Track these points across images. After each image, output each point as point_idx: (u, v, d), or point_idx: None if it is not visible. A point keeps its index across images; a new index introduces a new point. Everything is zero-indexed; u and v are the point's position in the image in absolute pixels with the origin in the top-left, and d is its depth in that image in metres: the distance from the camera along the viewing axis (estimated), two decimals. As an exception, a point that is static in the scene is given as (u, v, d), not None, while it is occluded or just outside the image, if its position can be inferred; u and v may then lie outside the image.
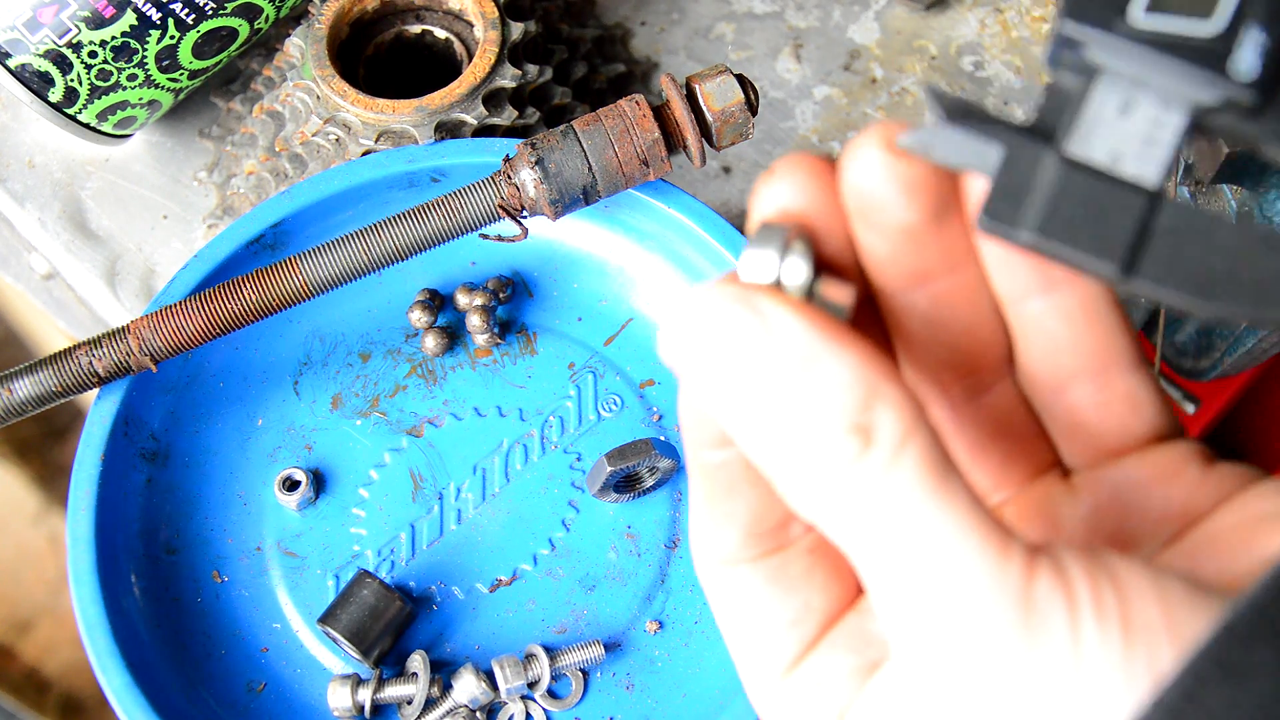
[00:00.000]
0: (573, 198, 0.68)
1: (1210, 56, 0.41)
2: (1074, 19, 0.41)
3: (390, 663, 0.70)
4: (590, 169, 0.68)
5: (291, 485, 0.73)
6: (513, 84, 0.78)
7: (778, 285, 0.42)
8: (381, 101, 0.77)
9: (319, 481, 0.73)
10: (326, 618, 0.68)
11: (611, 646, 0.70)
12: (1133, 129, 0.43)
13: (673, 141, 0.69)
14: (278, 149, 0.81)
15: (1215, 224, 0.42)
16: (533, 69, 0.80)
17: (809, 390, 0.37)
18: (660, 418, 0.74)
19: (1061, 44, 0.42)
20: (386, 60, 0.83)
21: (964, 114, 0.42)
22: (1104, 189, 0.42)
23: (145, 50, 0.78)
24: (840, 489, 0.37)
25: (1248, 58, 0.41)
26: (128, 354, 0.67)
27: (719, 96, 0.69)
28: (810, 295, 0.42)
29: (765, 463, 0.39)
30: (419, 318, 0.75)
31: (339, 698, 0.67)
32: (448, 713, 0.68)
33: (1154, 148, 0.42)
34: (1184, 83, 0.41)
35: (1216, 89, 0.41)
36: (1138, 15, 0.41)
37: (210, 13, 0.79)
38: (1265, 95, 0.41)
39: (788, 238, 0.42)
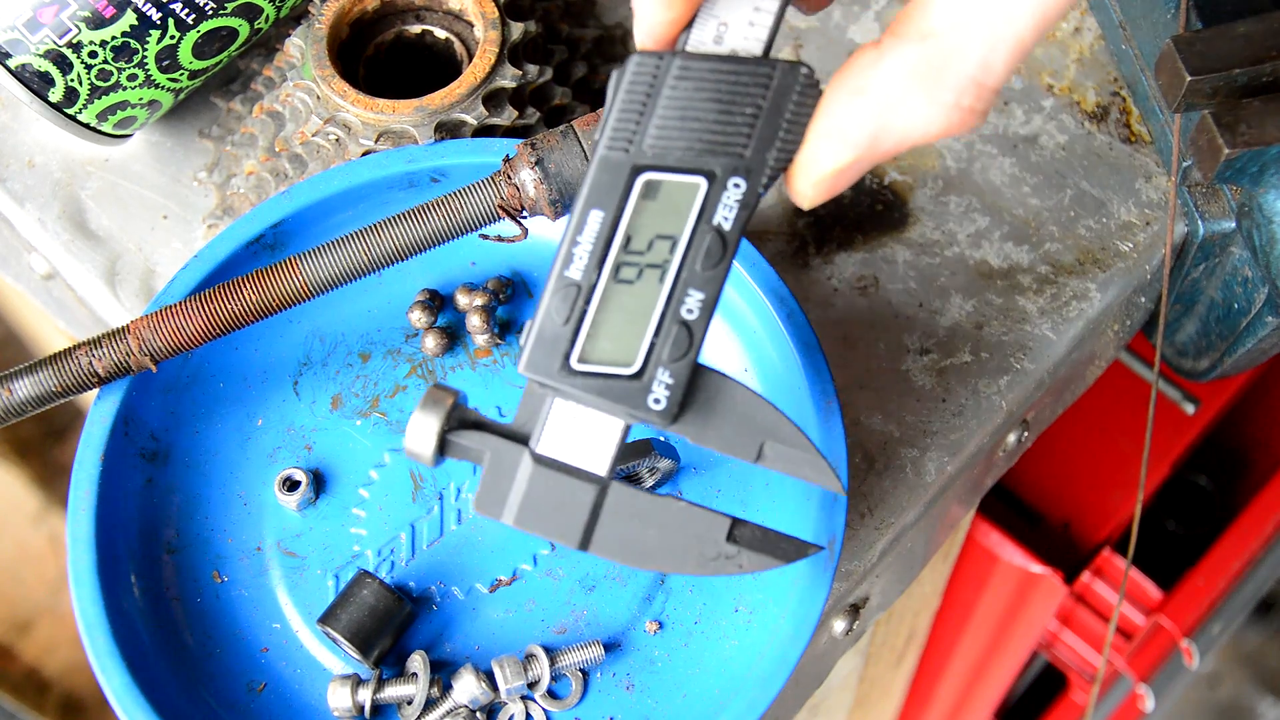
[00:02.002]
0: (572, 198, 0.68)
1: (631, 393, 0.56)
2: (529, 370, 0.56)
3: (390, 663, 0.70)
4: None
5: (291, 485, 0.73)
6: (513, 84, 0.78)
7: None
8: (381, 101, 0.77)
9: (319, 481, 0.73)
10: (326, 618, 0.68)
11: (611, 646, 0.70)
12: (585, 432, 0.57)
13: (673, 141, 0.69)
14: (278, 149, 0.82)
15: (647, 502, 0.57)
16: (533, 69, 0.80)
17: None
18: (660, 418, 0.74)
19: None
20: (386, 60, 0.83)
21: (465, 425, 0.57)
22: (565, 482, 0.57)
23: (145, 50, 0.78)
24: None
25: (657, 393, 0.56)
26: (128, 354, 0.67)
27: (719, 97, 0.69)
28: None
29: None
30: (419, 318, 0.75)
31: (339, 698, 0.67)
32: (448, 713, 0.68)
33: (602, 444, 0.57)
34: (614, 412, 0.57)
35: (636, 417, 0.56)
36: (576, 365, 0.56)
37: (210, 13, 0.79)
38: (673, 417, 0.56)
39: None
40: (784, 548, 0.58)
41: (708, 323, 0.56)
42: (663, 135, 0.55)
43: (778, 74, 0.55)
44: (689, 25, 0.56)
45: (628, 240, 0.55)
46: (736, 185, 0.55)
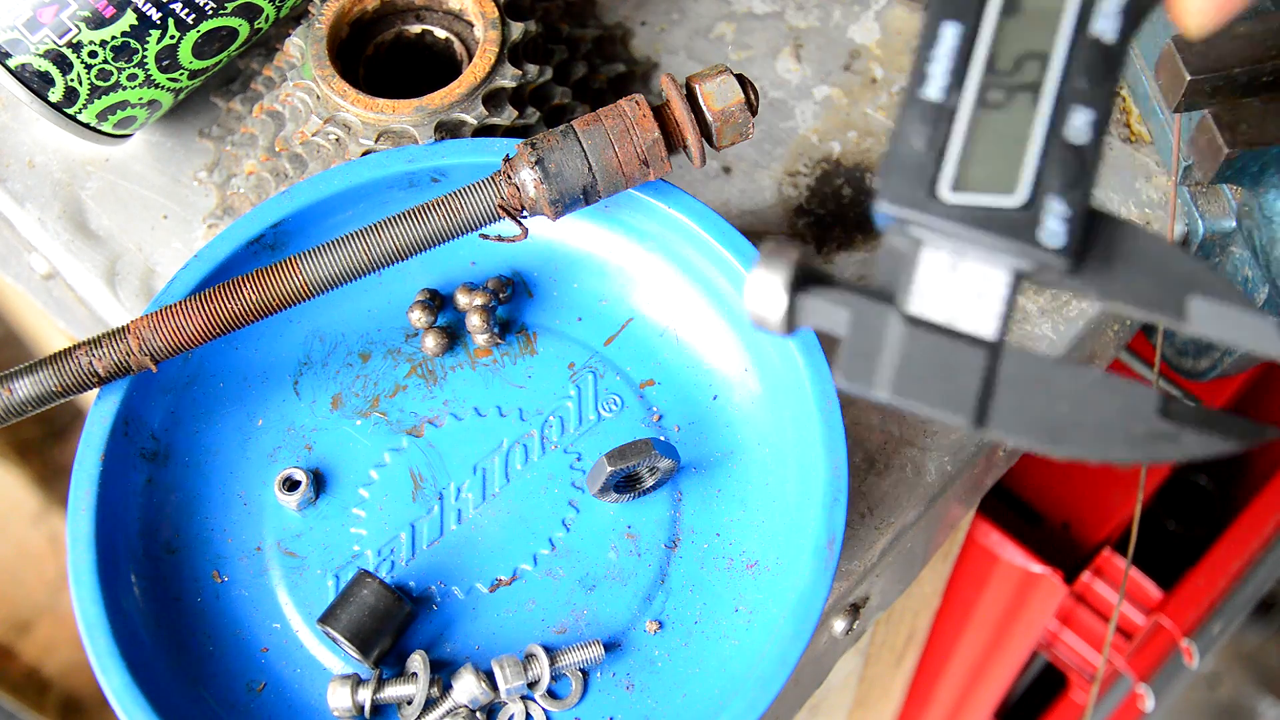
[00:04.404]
0: (573, 198, 0.68)
1: (1020, 227, 0.45)
2: (889, 200, 0.45)
3: (390, 663, 0.70)
4: (590, 169, 0.68)
5: (291, 485, 0.73)
6: (513, 84, 0.78)
7: None
8: (381, 101, 0.77)
9: (319, 481, 0.73)
10: (326, 618, 0.68)
11: (611, 646, 0.70)
12: (964, 287, 0.46)
13: (673, 141, 0.69)
14: (278, 149, 0.82)
15: (1054, 370, 0.46)
16: (533, 69, 0.80)
17: None
18: (660, 418, 0.74)
19: (885, 218, 0.46)
20: (386, 60, 0.83)
21: (810, 281, 0.46)
22: (948, 345, 0.46)
23: (145, 50, 0.78)
24: None
25: (1053, 226, 0.45)
26: (128, 354, 0.67)
27: (719, 96, 0.69)
28: None
29: None
30: (419, 318, 0.75)
31: (339, 698, 0.67)
32: (448, 713, 0.68)
33: (987, 302, 0.46)
34: (1000, 252, 0.45)
35: (1030, 257, 0.45)
36: (946, 194, 0.45)
37: (210, 13, 0.79)
38: (1076, 258, 0.45)
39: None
40: (1233, 426, 0.46)
41: (1100, 146, 0.46)
42: None
43: None
44: None
45: (991, 60, 0.46)
46: None
